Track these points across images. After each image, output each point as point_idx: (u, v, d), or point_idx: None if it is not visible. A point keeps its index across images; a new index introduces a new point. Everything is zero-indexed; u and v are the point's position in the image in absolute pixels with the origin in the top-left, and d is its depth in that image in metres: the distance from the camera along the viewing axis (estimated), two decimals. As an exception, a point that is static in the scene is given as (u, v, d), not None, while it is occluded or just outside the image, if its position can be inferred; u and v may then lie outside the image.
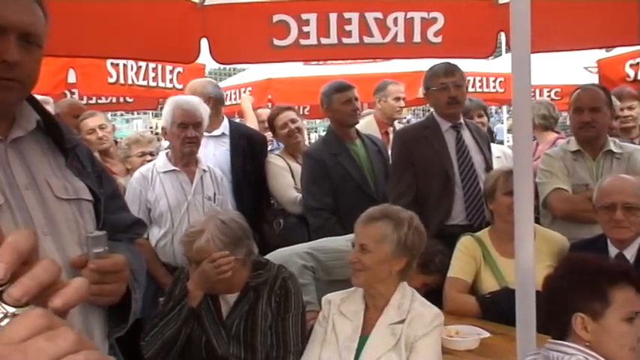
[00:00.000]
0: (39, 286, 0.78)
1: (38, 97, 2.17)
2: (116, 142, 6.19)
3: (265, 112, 7.45)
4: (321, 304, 3.24)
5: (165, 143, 5.52)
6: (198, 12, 4.35)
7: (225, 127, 5.31)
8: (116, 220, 2.18)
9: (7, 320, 0.75)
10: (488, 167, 4.77)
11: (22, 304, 0.76)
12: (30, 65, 1.90)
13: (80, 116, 5.88)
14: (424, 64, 8.33)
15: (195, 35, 4.37)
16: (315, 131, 20.56)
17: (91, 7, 3.85)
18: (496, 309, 3.65)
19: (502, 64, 10.42)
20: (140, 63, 8.00)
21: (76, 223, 2.00)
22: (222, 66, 5.89)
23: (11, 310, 0.75)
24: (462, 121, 4.86)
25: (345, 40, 4.64)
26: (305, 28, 4.56)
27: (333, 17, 4.57)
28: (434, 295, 3.66)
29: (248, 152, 5.27)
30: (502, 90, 10.39)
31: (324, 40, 4.60)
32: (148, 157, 5.39)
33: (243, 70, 11.73)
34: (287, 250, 4.22)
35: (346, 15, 4.58)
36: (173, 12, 4.21)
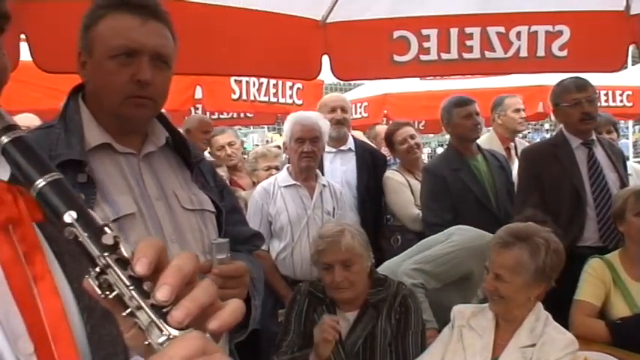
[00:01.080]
0: (199, 309, 0.81)
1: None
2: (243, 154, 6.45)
3: (382, 129, 7.46)
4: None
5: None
6: (320, 30, 4.41)
7: (350, 142, 5.37)
8: (236, 232, 2.27)
9: (163, 339, 0.78)
10: (624, 186, 4.52)
11: (183, 327, 0.79)
12: (161, 84, 2.04)
13: (210, 132, 6.21)
14: (542, 79, 8.13)
15: (317, 52, 4.44)
16: (429, 146, 20.32)
17: (217, 27, 4.01)
18: (628, 336, 3.46)
19: (629, 76, 9.90)
20: (262, 80, 8.22)
21: (200, 232, 2.14)
22: (339, 81, 5.95)
23: (174, 332, 0.79)
24: (594, 137, 4.65)
25: (466, 55, 4.57)
26: (425, 44, 4.53)
27: (454, 32, 4.52)
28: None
29: (371, 168, 5.30)
30: (630, 104, 9.89)
31: (444, 56, 4.56)
32: (273, 172, 5.54)
33: (360, 85, 11.79)
34: (392, 267, 4.18)
35: (467, 30, 4.52)
36: (296, 30, 4.29)
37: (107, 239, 0.84)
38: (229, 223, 2.28)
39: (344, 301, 3.31)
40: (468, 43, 4.51)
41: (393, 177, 5.34)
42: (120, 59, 1.96)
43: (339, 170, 5.13)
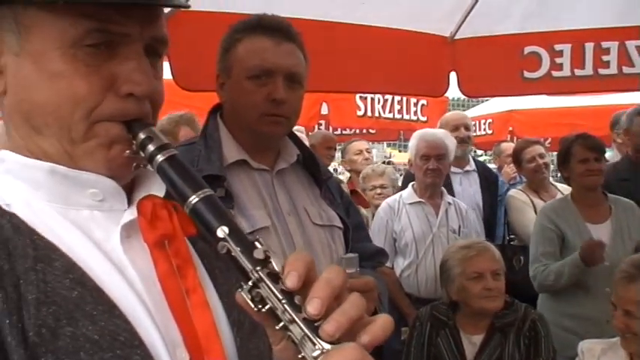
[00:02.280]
0: (350, 323, 0.83)
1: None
2: None
3: (507, 146, 7.27)
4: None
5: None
6: (449, 46, 4.38)
7: (472, 162, 5.29)
8: (361, 248, 2.29)
9: (317, 352, 0.80)
10: None
11: (334, 340, 0.81)
12: (294, 102, 2.14)
13: (334, 148, 6.42)
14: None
15: (445, 69, 4.41)
16: (553, 163, 19.48)
17: (344, 45, 4.06)
18: None
19: None
20: (386, 96, 8.26)
21: (329, 248, 2.20)
22: (463, 97, 5.88)
23: (327, 346, 0.81)
24: None
25: (602, 71, 4.38)
26: (558, 60, 4.38)
27: (589, 47, 4.35)
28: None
29: (493, 188, 5.19)
30: None
31: (578, 72, 4.38)
32: (378, 190, 5.54)
33: (484, 101, 11.58)
34: None
35: (604, 44, 4.33)
36: (424, 47, 4.29)
37: (258, 254, 0.87)
38: (355, 239, 2.32)
39: (491, 312, 3.23)
40: (605, 58, 4.32)
41: (517, 196, 5.19)
42: (256, 79, 2.07)
43: (468, 192, 5.05)
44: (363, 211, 5.04)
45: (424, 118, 8.45)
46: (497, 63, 4.40)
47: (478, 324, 3.24)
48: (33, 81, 1.00)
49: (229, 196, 2.01)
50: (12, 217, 0.98)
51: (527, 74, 4.39)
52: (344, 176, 7.01)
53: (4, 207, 1.00)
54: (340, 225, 2.27)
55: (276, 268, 0.87)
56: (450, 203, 4.46)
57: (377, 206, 5.08)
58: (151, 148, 0.99)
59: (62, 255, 0.96)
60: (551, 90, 5.37)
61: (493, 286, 3.18)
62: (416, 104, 8.63)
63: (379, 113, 8.39)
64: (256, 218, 2.04)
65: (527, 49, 4.37)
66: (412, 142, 4.59)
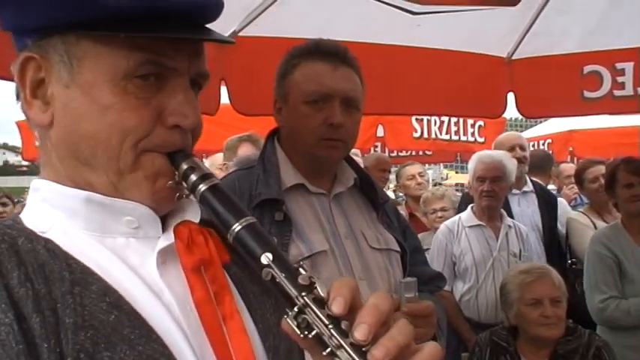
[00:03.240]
0: (398, 349, 0.82)
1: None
2: None
3: (567, 167, 7.12)
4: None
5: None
6: (506, 66, 4.33)
7: (529, 182, 5.19)
8: (419, 272, 2.27)
9: None
10: None
11: None
12: (351, 126, 2.14)
13: (388, 170, 6.38)
14: None
15: (503, 89, 4.35)
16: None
17: (400, 67, 4.06)
18: None
19: None
20: (443, 118, 8.23)
21: (387, 271, 2.18)
22: (520, 118, 5.76)
23: None
24: None
25: (666, 89, 4.25)
26: (619, 79, 4.27)
27: (652, 65, 4.23)
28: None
29: (552, 209, 5.07)
30: None
31: (641, 90, 4.27)
32: (439, 213, 5.47)
33: (543, 121, 11.38)
34: None
35: (668, 61, 4.21)
36: (481, 68, 4.24)
37: (303, 279, 0.88)
38: (412, 263, 2.31)
39: (551, 339, 3.14)
40: (669, 75, 4.20)
41: (579, 219, 5.05)
42: (313, 104, 2.09)
43: (526, 213, 4.95)
44: (420, 235, 5.00)
45: (482, 139, 8.36)
46: (556, 83, 4.31)
47: (539, 350, 3.15)
48: (83, 113, 1.01)
49: (288, 219, 2.02)
50: (47, 242, 1.00)
51: (587, 94, 4.29)
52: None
53: (40, 234, 1.02)
54: (398, 248, 2.26)
55: (321, 293, 0.87)
56: (510, 226, 4.38)
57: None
58: (193, 178, 1.01)
59: (98, 279, 0.97)
60: (613, 110, 5.24)
61: (551, 313, 3.09)
62: (473, 125, 8.56)
63: (436, 135, 8.35)
64: (314, 242, 2.04)
65: (587, 68, 4.27)
66: (470, 164, 4.56)
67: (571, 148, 9.48)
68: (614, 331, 3.84)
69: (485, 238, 4.30)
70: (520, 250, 4.29)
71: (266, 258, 0.91)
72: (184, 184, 1.03)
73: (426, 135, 8.26)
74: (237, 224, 0.95)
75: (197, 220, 1.09)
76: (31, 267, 0.94)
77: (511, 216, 4.57)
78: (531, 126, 12.75)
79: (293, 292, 0.87)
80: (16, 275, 0.92)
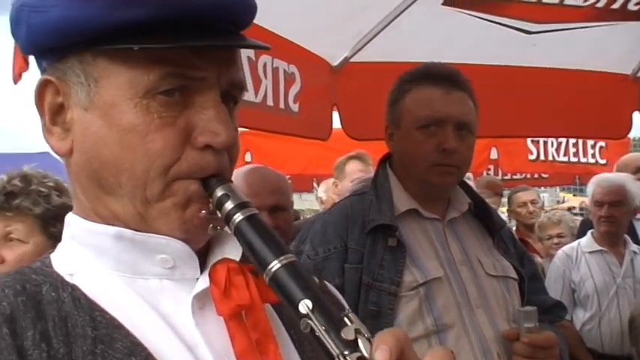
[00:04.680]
0: None
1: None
2: None
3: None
4: None
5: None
6: (630, 84, 4.14)
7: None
8: (537, 300, 2.20)
9: None
10: None
11: None
12: (465, 151, 2.10)
13: (500, 194, 6.19)
14: None
15: (627, 108, 4.16)
16: None
17: (516, 88, 3.97)
18: None
19: None
20: (560, 139, 7.96)
21: (504, 299, 2.10)
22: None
23: None
24: None
25: None
26: None
27: None
28: None
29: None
30: None
31: None
32: (556, 240, 5.25)
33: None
34: None
35: None
36: (603, 86, 4.07)
37: (347, 333, 0.77)
38: (530, 291, 2.23)
39: None
40: None
41: None
42: (426, 129, 2.06)
43: None
44: (538, 259, 4.82)
45: (603, 161, 8.00)
46: (686, 99, 4.08)
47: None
48: (103, 137, 0.91)
49: (401, 245, 2.00)
50: (73, 289, 0.92)
51: None
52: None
53: (67, 277, 0.94)
54: (515, 276, 2.18)
55: (365, 353, 0.75)
56: (635, 252, 4.14)
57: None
58: (228, 206, 0.90)
59: (126, 334, 0.88)
60: None
61: None
62: (593, 146, 8.22)
63: (553, 157, 8.09)
64: (429, 268, 2.00)
65: None
66: (588, 188, 4.38)
67: None
68: None
69: (607, 264, 4.08)
70: (648, 278, 4.04)
71: (305, 306, 0.79)
72: (219, 214, 0.91)
73: (542, 157, 8.02)
74: (275, 262, 0.84)
75: (238, 257, 0.95)
76: (52, 321, 0.87)
77: (637, 242, 4.32)
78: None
79: (334, 349, 0.76)
80: (30, 335, 0.84)
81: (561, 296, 4.08)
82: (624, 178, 4.34)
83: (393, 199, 2.10)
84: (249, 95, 2.79)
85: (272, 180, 2.54)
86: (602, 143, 8.21)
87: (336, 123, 3.69)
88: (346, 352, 0.75)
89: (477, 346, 1.94)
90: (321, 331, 0.77)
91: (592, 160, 8.23)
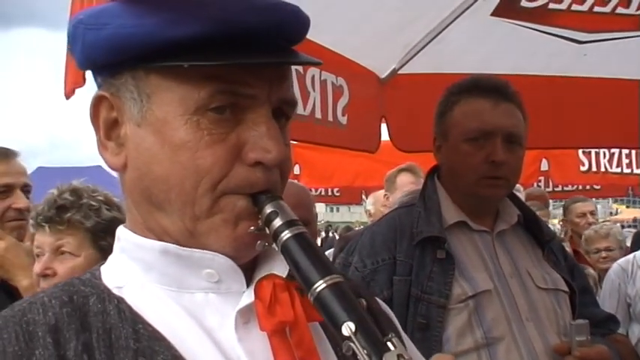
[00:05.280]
0: None
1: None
2: None
3: None
4: None
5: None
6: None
7: None
8: (588, 313, 2.17)
9: None
10: None
11: None
12: (513, 163, 2.09)
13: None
14: None
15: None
16: None
17: (567, 98, 3.92)
18: None
19: None
20: (613, 150, 7.82)
21: (555, 313, 2.08)
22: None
23: None
24: None
25: None
26: None
27: None
28: None
29: None
30: None
31: None
32: (603, 254, 5.11)
33: None
34: None
35: None
36: (656, 97, 3.99)
37: (390, 358, 0.76)
38: (582, 304, 2.20)
39: None
40: None
41: None
42: (474, 142, 2.05)
43: None
44: (591, 271, 4.73)
45: (658, 172, 7.84)
46: None
47: None
48: (155, 153, 0.92)
49: (450, 257, 2.00)
50: (120, 301, 0.93)
51: None
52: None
53: (115, 290, 0.95)
54: (566, 289, 2.16)
55: None
56: (692, 266, 4.03)
57: (602, 270, 4.73)
58: (277, 223, 0.89)
59: (167, 347, 0.88)
60: None
61: None
62: (648, 157, 8.07)
63: (605, 168, 7.94)
64: (478, 281, 1.99)
65: None
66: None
67: None
68: None
69: (665, 278, 3.98)
70: None
71: (348, 329, 0.79)
72: (267, 230, 0.91)
73: (594, 168, 7.88)
74: (320, 282, 0.83)
75: (284, 274, 0.95)
76: (96, 333, 0.88)
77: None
78: None
79: None
80: (73, 346, 0.86)
81: (617, 310, 3.98)
82: (681, 189, 4.23)
83: (441, 211, 2.10)
84: (297, 108, 2.82)
85: (291, 193, 2.53)
86: (656, 153, 8.05)
87: (385, 135, 3.70)
88: None
89: (528, 359, 1.92)
90: (362, 355, 0.77)
91: (645, 172, 8.08)
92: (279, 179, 0.96)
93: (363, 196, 7.74)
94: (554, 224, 9.43)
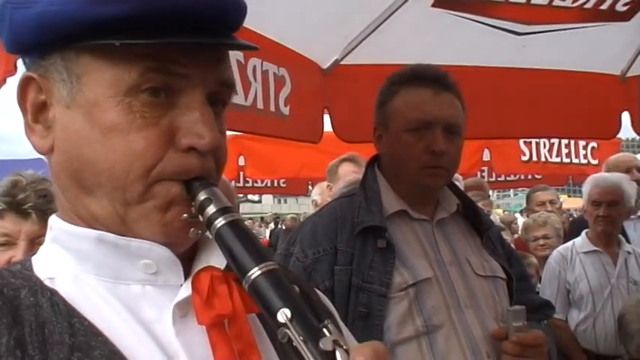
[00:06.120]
0: None
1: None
2: None
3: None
4: None
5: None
6: (620, 85, 4.15)
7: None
8: (526, 300, 2.20)
9: None
10: None
11: None
12: (453, 153, 2.10)
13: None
14: None
15: (616, 109, 4.18)
16: None
17: (508, 90, 3.98)
18: None
19: None
20: (553, 140, 8.00)
21: (493, 299, 2.11)
22: (636, 137, 5.49)
23: None
24: None
25: None
26: None
27: None
28: None
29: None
30: None
31: None
32: (541, 241, 5.26)
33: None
34: None
35: None
36: (593, 87, 4.09)
37: (325, 344, 0.75)
38: (519, 291, 2.23)
39: None
40: None
41: None
42: (415, 132, 2.05)
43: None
44: (533, 259, 4.83)
45: (595, 162, 8.03)
46: (677, 99, 4.10)
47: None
48: (84, 135, 0.89)
49: (391, 247, 2.00)
50: (53, 294, 0.89)
51: None
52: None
53: (47, 282, 0.91)
54: (503, 276, 2.19)
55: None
56: (629, 252, 4.14)
57: (541, 258, 4.83)
58: (210, 211, 0.87)
59: (104, 341, 0.85)
60: None
61: None
62: (585, 147, 8.26)
63: (546, 158, 8.12)
64: (419, 269, 2.00)
65: None
66: (585, 187, 4.35)
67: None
68: None
69: (602, 264, 4.09)
70: (642, 278, 4.05)
71: (283, 315, 0.78)
72: (201, 218, 0.89)
73: (535, 158, 8.05)
74: (255, 269, 0.81)
75: (223, 265, 0.92)
76: (28, 327, 0.85)
77: (627, 242, 4.34)
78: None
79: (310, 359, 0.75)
80: (5, 341, 0.82)
81: (556, 297, 4.10)
82: (621, 178, 4.34)
83: (382, 201, 2.10)
84: (239, 99, 2.79)
85: None
86: (593, 144, 8.25)
87: (328, 126, 3.70)
88: None
89: (467, 346, 1.94)
90: (298, 341, 0.76)
91: (584, 161, 8.26)
92: (213, 167, 0.94)
93: (310, 187, 7.74)
94: (498, 214, 9.61)
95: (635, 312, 3.11)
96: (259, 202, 57.60)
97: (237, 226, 0.86)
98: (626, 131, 4.45)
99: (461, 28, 3.49)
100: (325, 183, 5.20)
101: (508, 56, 3.85)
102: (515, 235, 6.33)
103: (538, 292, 3.91)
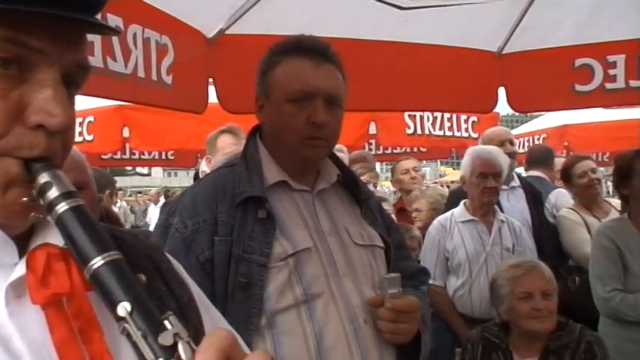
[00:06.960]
0: None
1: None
2: None
3: (559, 162, 7.13)
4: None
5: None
6: (497, 61, 4.34)
7: (516, 178, 5.18)
8: (402, 267, 2.27)
9: None
10: None
11: None
12: (334, 125, 2.12)
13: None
14: None
15: (494, 84, 4.36)
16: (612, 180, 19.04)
17: (392, 64, 4.06)
18: None
19: None
20: (436, 114, 8.24)
21: (371, 267, 2.17)
22: (515, 113, 5.76)
23: None
24: None
25: (659, 81, 4.24)
26: (611, 71, 4.27)
27: (644, 56, 4.22)
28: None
29: (539, 203, 5.08)
30: None
31: (633, 83, 4.26)
32: (414, 214, 5.50)
33: (537, 116, 11.38)
34: None
35: (660, 53, 4.20)
36: (471, 63, 4.25)
37: (165, 338, 0.75)
38: (396, 259, 2.29)
39: (542, 333, 3.12)
40: (661, 67, 4.19)
41: (568, 216, 4.99)
42: (296, 102, 2.06)
43: (516, 208, 4.93)
44: (416, 231, 4.97)
45: (475, 135, 8.35)
46: (547, 77, 4.33)
47: (531, 346, 3.13)
48: None
49: (271, 217, 2.01)
50: None
51: (578, 87, 4.30)
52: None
53: None
54: (381, 244, 2.24)
55: (183, 357, 0.73)
56: (503, 221, 4.35)
57: (422, 229, 4.97)
58: (51, 195, 0.83)
59: None
60: (605, 103, 5.25)
61: (542, 306, 3.08)
62: (466, 121, 8.57)
63: (429, 131, 8.36)
64: (298, 239, 2.02)
65: (578, 62, 4.29)
66: (466, 160, 4.43)
67: (566, 143, 9.44)
68: (617, 323, 3.79)
69: (479, 232, 4.27)
70: (513, 245, 4.27)
71: (123, 309, 0.76)
72: (42, 202, 0.85)
73: (419, 131, 8.26)
74: (97, 259, 0.79)
75: (61, 242, 0.87)
76: None
77: (501, 211, 4.56)
78: (527, 121, 12.76)
79: (149, 355, 0.74)
80: None
81: (436, 265, 4.25)
82: (499, 150, 4.53)
83: (262, 171, 2.09)
84: (118, 66, 2.70)
85: None
86: (474, 118, 8.57)
87: (213, 97, 3.64)
88: (161, 359, 0.74)
89: (344, 313, 1.99)
90: (137, 336, 0.75)
91: (465, 135, 8.56)
92: (60, 148, 0.90)
93: (199, 159, 7.61)
94: (387, 186, 9.83)
95: (505, 277, 3.28)
96: (149, 175, 56.29)
97: (80, 212, 0.83)
98: (506, 107, 4.65)
99: (346, 0, 3.53)
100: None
101: (392, 30, 3.93)
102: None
103: (419, 262, 4.05)
